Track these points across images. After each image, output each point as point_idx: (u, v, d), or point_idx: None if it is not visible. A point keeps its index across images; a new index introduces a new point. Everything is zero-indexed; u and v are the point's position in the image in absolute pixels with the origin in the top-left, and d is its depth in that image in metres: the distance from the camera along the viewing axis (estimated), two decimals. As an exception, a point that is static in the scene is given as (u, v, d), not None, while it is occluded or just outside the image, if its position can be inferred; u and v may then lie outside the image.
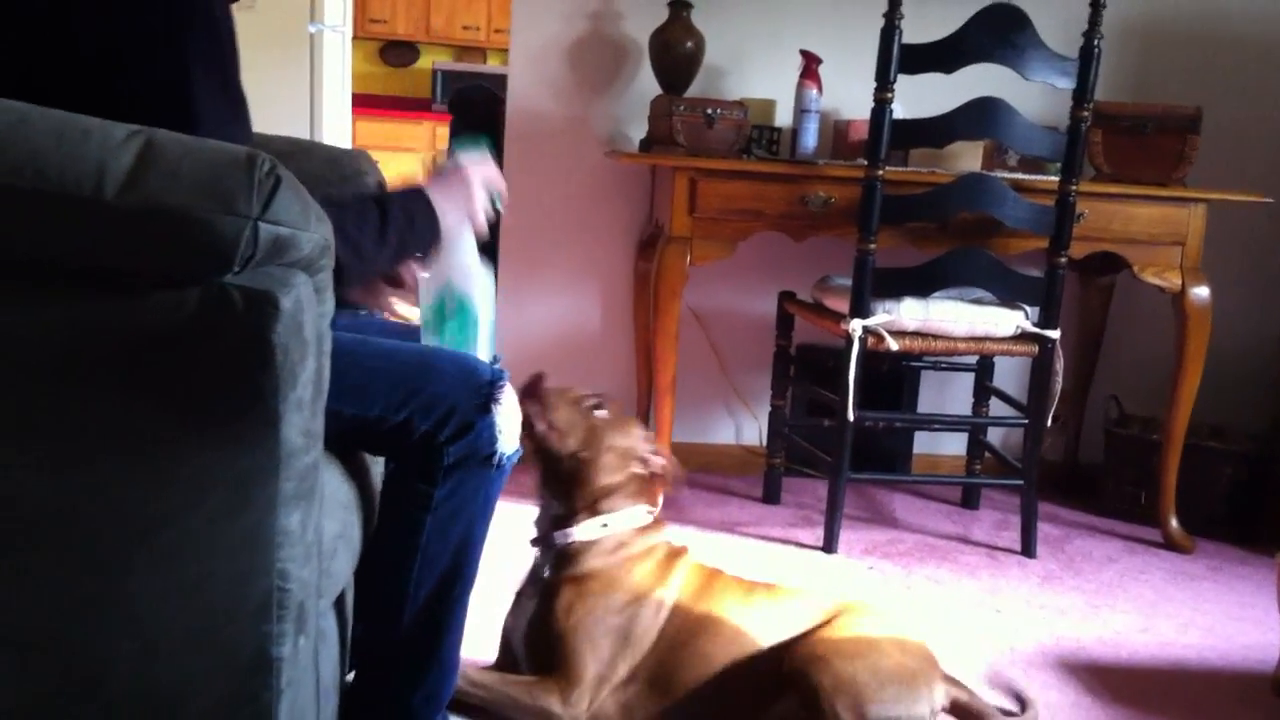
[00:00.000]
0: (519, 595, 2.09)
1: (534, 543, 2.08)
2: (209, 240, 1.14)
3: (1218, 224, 3.33)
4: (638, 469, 2.07)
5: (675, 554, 2.08)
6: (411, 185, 1.71)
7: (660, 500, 2.12)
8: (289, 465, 1.25)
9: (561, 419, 2.02)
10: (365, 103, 8.01)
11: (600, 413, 2.05)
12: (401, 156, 8.10)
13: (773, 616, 2.03)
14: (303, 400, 1.25)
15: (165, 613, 1.25)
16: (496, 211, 1.79)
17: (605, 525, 2.03)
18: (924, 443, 3.88)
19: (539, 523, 2.09)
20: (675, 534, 2.17)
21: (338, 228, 1.49)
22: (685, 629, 1.99)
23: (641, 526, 2.06)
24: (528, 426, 1.97)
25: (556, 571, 2.01)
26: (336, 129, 6.32)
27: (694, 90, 3.44)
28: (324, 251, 1.27)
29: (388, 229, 1.60)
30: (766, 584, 2.13)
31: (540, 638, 1.96)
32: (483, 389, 1.61)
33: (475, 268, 1.68)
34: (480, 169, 1.76)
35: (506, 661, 2.10)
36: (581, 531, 2.02)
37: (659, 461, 2.10)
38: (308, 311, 1.24)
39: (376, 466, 1.76)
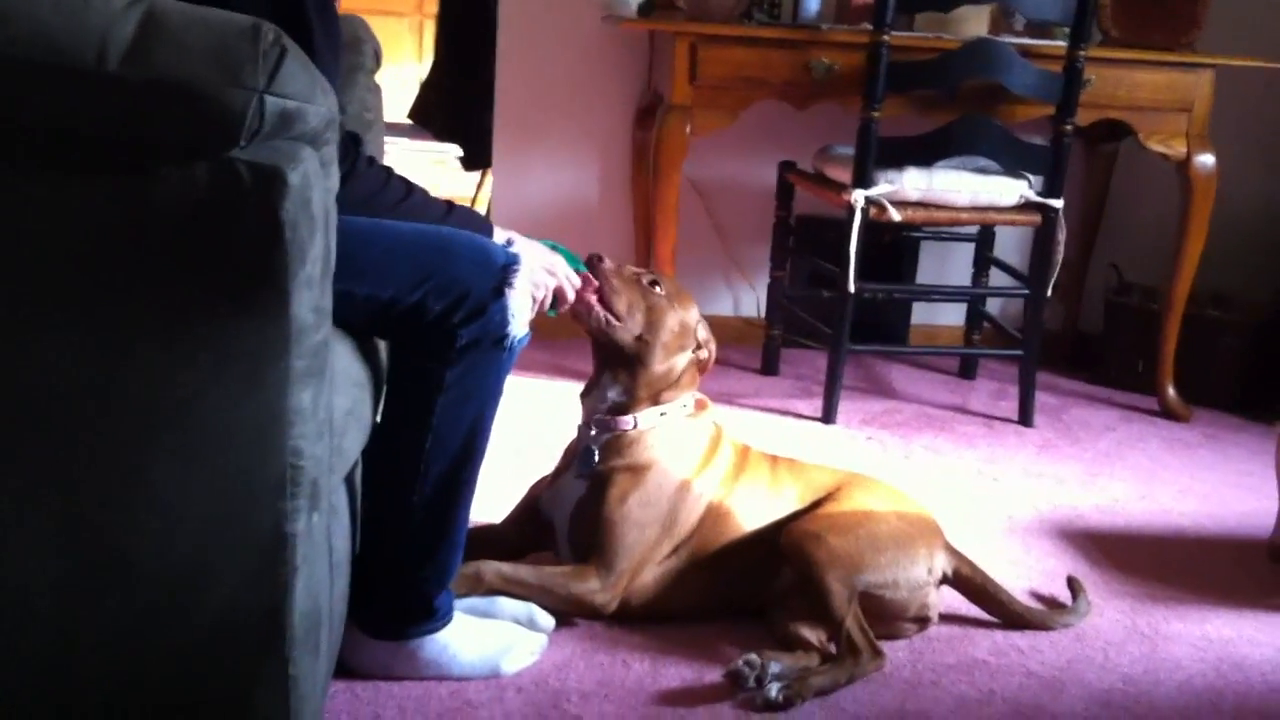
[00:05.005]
0: (559, 472, 2.07)
1: (585, 425, 2.04)
2: (215, 113, 1.11)
3: (1226, 90, 3.28)
4: (692, 351, 2.04)
5: (718, 436, 2.07)
6: (490, 222, 1.80)
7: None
8: (300, 342, 1.24)
9: (623, 303, 1.95)
10: (350, -35, 7.79)
11: (658, 289, 2.00)
12: (388, 20, 7.91)
13: (793, 491, 2.07)
14: (312, 277, 1.23)
15: (187, 491, 1.25)
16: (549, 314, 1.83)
17: (663, 414, 2.01)
18: (921, 313, 3.87)
19: (591, 404, 2.04)
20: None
21: (406, 193, 1.67)
22: (724, 507, 2.02)
23: (691, 412, 2.05)
24: (586, 312, 1.93)
25: (610, 458, 1.98)
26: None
27: (693, -48, 3.35)
28: (329, 125, 1.24)
29: (447, 219, 1.70)
30: (789, 459, 2.17)
31: (589, 523, 1.95)
32: (497, 272, 1.60)
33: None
34: (563, 268, 1.81)
35: (520, 525, 2.10)
36: (642, 420, 1.99)
37: (712, 345, 2.07)
38: (315, 187, 1.21)
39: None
